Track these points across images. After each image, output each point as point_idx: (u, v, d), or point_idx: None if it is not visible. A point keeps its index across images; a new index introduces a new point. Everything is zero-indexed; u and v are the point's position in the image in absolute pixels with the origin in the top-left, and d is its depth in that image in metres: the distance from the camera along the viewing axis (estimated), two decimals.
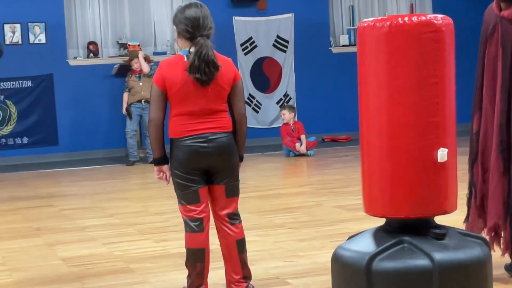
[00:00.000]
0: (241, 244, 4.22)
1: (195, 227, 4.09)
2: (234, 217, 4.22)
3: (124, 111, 10.99)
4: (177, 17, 4.05)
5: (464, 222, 4.35)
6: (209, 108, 4.03)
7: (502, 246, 4.19)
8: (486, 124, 4.14)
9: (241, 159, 4.26)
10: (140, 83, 10.88)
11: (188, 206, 4.09)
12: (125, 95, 10.99)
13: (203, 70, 3.94)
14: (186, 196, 4.10)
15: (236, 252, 4.21)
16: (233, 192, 4.22)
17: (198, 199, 4.09)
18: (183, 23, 4.00)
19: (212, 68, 3.96)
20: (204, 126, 4.03)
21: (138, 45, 12.18)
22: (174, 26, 4.08)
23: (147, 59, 11.11)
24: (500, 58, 4.07)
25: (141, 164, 10.92)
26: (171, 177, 4.15)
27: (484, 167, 4.16)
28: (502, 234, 4.18)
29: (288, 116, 11.24)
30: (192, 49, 3.99)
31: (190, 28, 3.99)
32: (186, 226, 4.12)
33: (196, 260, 4.12)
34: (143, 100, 10.79)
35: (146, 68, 10.92)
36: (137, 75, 10.99)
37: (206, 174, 4.12)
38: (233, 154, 4.14)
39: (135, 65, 11.01)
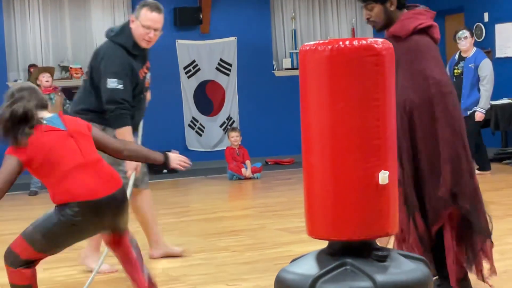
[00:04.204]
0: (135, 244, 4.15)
1: (27, 266, 3.85)
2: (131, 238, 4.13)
3: None
4: None
5: None
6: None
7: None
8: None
9: (166, 158, 4.17)
10: (53, 103, 9.95)
11: (39, 254, 3.87)
12: None
13: None
14: (50, 249, 3.90)
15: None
16: (124, 229, 4.06)
17: (55, 251, 3.95)
18: None
19: None
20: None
21: (80, 68, 12.10)
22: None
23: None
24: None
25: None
26: (45, 222, 3.88)
27: None
28: (407, 239, 4.26)
29: (237, 139, 11.27)
30: None
31: None
32: (16, 263, 3.84)
33: None
34: None
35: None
36: (50, 94, 10.06)
37: None
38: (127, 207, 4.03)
39: (45, 82, 10.04)
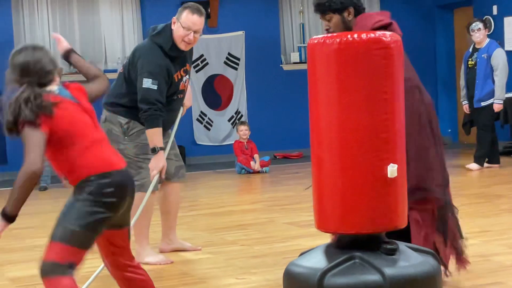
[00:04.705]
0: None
1: (71, 272, 3.45)
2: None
3: None
4: None
5: None
6: None
7: None
8: None
9: None
10: None
11: (79, 249, 3.46)
12: None
13: None
14: (87, 238, 3.50)
15: None
16: (130, 233, 3.78)
17: (92, 244, 3.56)
18: None
19: None
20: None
21: None
22: None
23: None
24: None
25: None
26: (74, 213, 3.52)
27: None
28: None
29: (246, 133, 11.28)
30: None
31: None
32: (59, 270, 3.42)
33: None
34: None
35: None
36: None
37: None
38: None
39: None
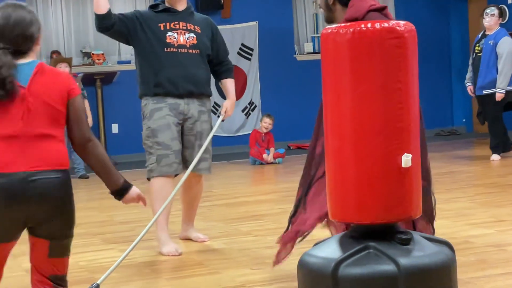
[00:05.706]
0: None
1: None
2: (60, 282, 3.40)
3: None
4: None
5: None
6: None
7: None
8: None
9: (124, 189, 3.43)
10: None
11: None
12: None
13: None
14: None
15: None
16: (61, 251, 3.33)
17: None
18: None
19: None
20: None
21: (102, 54, 12.13)
22: None
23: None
24: None
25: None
26: None
27: None
28: None
29: (269, 127, 11.27)
30: None
31: None
32: None
33: None
34: None
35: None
36: None
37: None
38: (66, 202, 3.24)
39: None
